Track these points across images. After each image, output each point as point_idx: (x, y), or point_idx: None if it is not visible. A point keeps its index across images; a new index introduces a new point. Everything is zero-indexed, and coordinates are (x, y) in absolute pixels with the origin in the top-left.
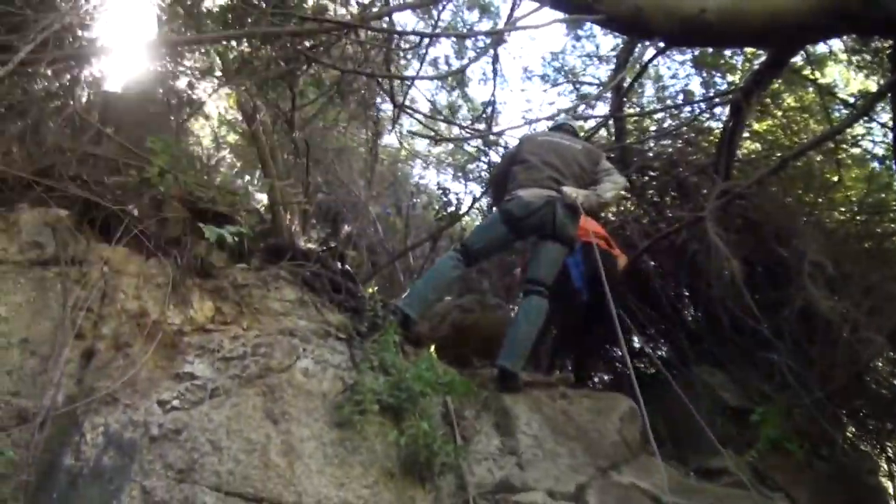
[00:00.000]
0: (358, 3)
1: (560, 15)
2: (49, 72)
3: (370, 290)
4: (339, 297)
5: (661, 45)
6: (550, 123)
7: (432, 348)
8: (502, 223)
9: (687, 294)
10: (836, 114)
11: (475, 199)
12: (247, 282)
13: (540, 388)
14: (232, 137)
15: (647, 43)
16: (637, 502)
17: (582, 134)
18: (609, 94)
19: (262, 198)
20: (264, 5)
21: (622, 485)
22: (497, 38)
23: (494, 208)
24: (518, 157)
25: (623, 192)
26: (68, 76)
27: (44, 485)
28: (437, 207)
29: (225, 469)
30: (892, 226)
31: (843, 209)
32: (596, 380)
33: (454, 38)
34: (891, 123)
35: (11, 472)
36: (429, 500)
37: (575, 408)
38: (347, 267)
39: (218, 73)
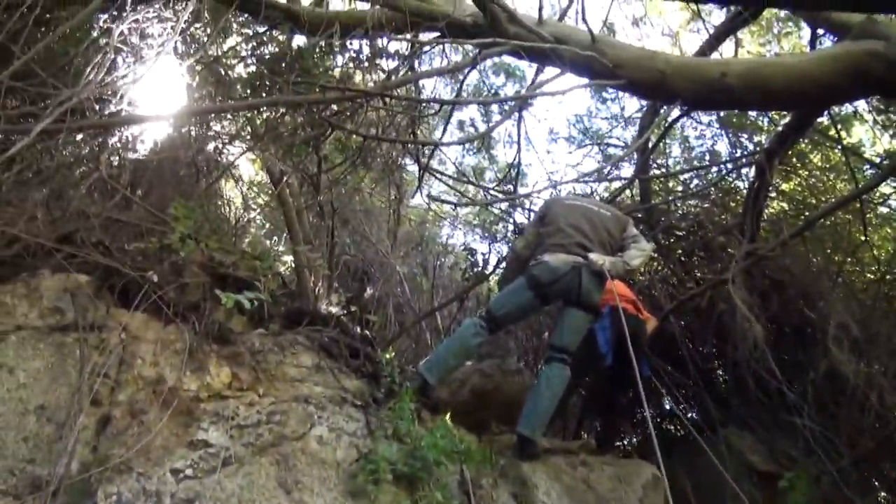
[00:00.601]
0: (383, 70)
1: (583, 80)
2: (78, 137)
3: (388, 356)
4: (357, 362)
5: (685, 107)
6: (578, 188)
7: (448, 415)
8: (528, 289)
9: (714, 355)
10: (863, 174)
11: (501, 260)
12: (264, 347)
13: (560, 455)
14: (262, 199)
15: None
16: None
17: (607, 194)
18: (634, 155)
19: (289, 259)
20: (292, 73)
21: None
22: (521, 102)
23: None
24: (546, 219)
25: (652, 254)
26: (97, 142)
27: None
28: (463, 267)
29: None
30: None
31: (871, 269)
32: (625, 442)
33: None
34: None
35: None
36: None
37: (596, 476)
38: (366, 332)
39: (247, 138)
